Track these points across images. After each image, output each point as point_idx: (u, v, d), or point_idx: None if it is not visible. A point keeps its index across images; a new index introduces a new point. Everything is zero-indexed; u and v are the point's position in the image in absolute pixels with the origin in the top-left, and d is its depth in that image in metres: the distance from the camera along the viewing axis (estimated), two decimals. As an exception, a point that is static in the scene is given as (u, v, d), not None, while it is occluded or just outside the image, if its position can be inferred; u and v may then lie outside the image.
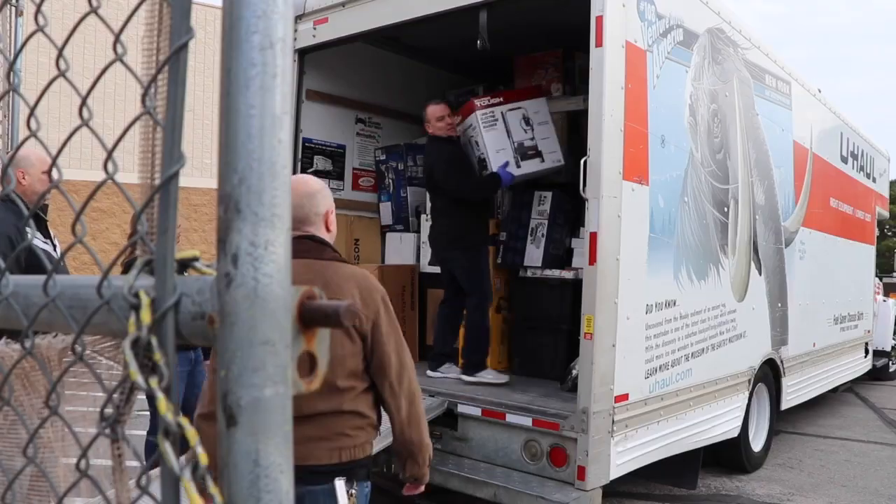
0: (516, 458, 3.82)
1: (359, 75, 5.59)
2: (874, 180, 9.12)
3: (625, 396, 3.68)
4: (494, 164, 4.77)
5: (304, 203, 2.15)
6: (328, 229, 2.23)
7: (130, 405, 0.69)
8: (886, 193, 9.99)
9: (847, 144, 7.82)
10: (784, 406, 6.14)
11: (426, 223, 5.43)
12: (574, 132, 5.49)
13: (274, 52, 0.55)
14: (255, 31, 0.55)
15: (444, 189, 4.75)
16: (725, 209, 4.80)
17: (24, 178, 3.13)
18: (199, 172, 15.73)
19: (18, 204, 2.84)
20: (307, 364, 0.58)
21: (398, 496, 3.39)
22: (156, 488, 0.60)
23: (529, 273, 5.13)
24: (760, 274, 5.43)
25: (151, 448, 3.98)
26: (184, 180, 0.65)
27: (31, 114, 0.78)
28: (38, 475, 0.84)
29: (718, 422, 4.75)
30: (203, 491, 0.53)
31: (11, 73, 0.88)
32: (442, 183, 4.74)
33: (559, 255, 5.19)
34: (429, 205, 5.34)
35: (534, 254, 5.15)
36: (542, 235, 5.15)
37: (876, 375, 10.18)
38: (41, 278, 0.73)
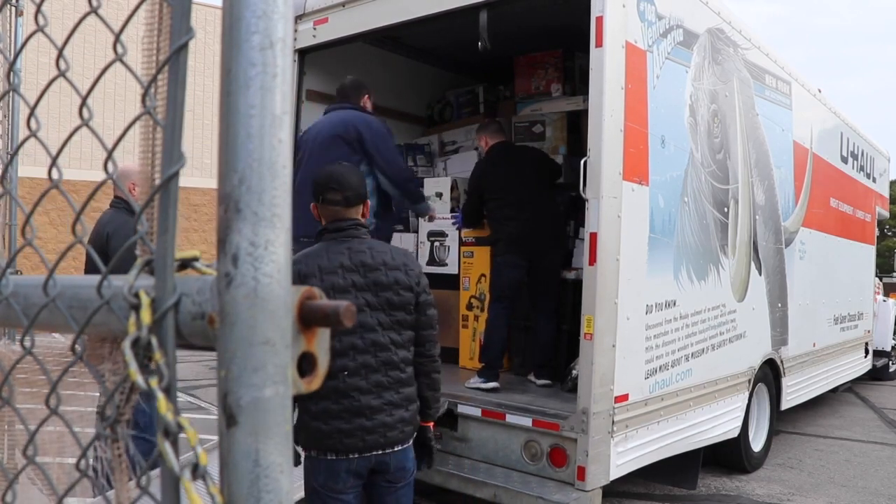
0: (516, 459, 3.82)
1: (359, 75, 5.59)
2: (874, 180, 9.12)
3: (625, 397, 3.68)
4: None
5: None
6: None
7: (130, 405, 0.69)
8: (886, 193, 9.98)
9: (847, 144, 7.82)
10: (784, 406, 6.14)
11: (424, 223, 5.43)
12: (574, 132, 5.49)
13: (274, 52, 0.55)
14: (255, 31, 0.55)
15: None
16: (725, 209, 4.79)
17: (135, 189, 3.47)
18: (199, 172, 15.73)
19: (133, 206, 3.04)
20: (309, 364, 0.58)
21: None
22: (155, 488, 0.60)
23: (529, 273, 5.12)
24: (760, 274, 5.42)
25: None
26: (184, 180, 0.65)
27: (31, 114, 0.78)
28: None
29: (718, 422, 4.75)
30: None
31: (11, 73, 0.88)
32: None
33: (559, 255, 5.18)
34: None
35: (534, 254, 5.13)
36: (543, 235, 5.13)
37: (876, 375, 10.18)
38: (41, 278, 0.73)
